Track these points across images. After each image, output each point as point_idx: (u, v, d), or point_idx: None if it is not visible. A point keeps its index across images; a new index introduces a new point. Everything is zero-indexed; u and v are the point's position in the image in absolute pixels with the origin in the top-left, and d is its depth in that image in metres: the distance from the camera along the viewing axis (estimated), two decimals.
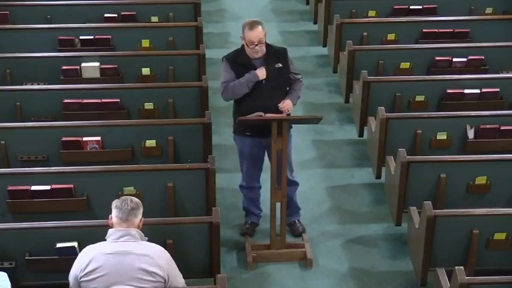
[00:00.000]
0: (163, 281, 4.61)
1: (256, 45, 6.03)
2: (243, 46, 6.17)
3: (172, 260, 4.71)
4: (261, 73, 6.08)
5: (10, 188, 5.80)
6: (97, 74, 7.53)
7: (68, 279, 4.72)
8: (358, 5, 8.95)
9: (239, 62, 6.16)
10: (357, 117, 7.63)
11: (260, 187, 6.50)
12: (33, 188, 5.82)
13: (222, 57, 6.33)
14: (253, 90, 6.11)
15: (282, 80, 6.21)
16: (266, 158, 6.36)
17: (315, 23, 10.02)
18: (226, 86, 6.17)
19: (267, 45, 6.18)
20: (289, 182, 6.33)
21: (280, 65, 6.17)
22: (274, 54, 6.19)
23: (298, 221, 6.58)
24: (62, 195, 5.83)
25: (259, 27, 6.04)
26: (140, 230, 4.69)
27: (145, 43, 8.17)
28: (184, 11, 8.80)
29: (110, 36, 8.10)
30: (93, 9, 8.71)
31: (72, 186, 5.85)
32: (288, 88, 6.28)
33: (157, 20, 8.70)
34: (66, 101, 6.99)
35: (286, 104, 6.14)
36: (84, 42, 8.08)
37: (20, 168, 6.26)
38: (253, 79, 6.08)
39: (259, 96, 6.11)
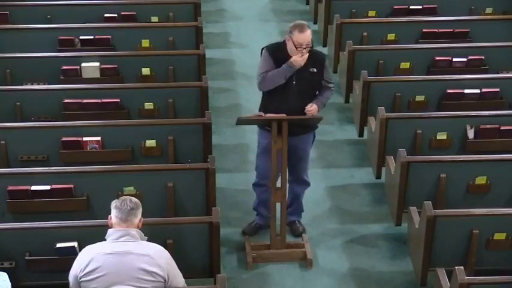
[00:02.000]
0: (163, 280, 4.61)
1: (304, 48, 5.96)
2: (284, 42, 6.08)
3: (172, 260, 4.71)
4: (296, 61, 5.94)
5: (10, 188, 5.80)
6: (97, 74, 7.52)
7: (68, 279, 4.72)
8: (358, 5, 8.95)
9: (279, 55, 6.06)
10: (357, 117, 7.63)
11: None
12: (33, 188, 5.82)
13: (262, 47, 6.23)
14: (282, 90, 6.05)
15: (313, 85, 6.15)
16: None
17: (315, 23, 10.01)
18: (264, 76, 6.08)
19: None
20: (302, 181, 6.35)
21: (315, 70, 6.10)
22: (312, 59, 6.08)
23: (299, 221, 6.57)
24: (62, 195, 5.83)
25: (309, 31, 5.97)
26: (140, 229, 4.70)
27: (145, 43, 8.17)
28: (184, 11, 8.80)
29: (110, 36, 8.09)
30: (93, 9, 8.71)
31: (72, 186, 5.84)
32: (317, 93, 6.21)
33: (157, 20, 8.70)
34: (66, 101, 6.99)
35: (313, 108, 6.07)
36: (84, 42, 8.08)
37: (20, 168, 6.26)
38: (290, 68, 5.97)
39: (286, 98, 6.05)
